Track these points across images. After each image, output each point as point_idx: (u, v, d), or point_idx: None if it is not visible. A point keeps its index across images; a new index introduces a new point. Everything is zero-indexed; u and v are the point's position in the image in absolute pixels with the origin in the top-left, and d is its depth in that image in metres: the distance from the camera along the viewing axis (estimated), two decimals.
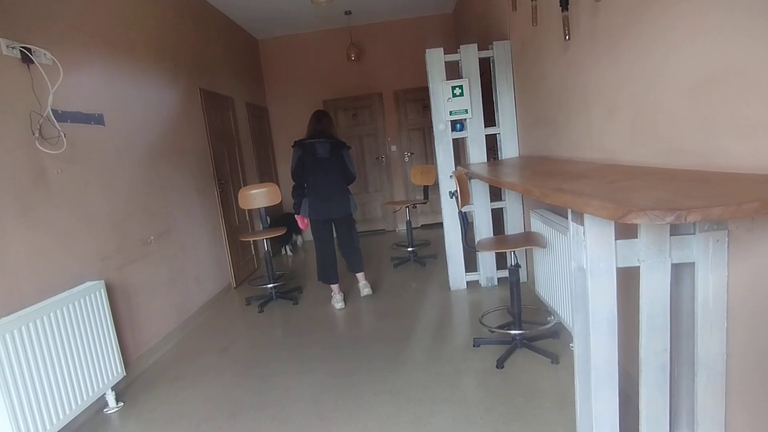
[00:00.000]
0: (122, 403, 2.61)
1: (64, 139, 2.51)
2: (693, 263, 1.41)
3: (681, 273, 1.49)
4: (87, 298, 2.43)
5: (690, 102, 1.50)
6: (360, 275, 4.02)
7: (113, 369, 2.57)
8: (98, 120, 2.88)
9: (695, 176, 1.38)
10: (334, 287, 3.85)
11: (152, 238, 3.35)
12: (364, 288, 4.01)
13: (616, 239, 1.39)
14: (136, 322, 3.03)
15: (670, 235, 1.39)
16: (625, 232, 1.42)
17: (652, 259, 1.40)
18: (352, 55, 6.25)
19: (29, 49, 2.32)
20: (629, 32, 1.81)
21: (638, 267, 1.42)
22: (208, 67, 4.82)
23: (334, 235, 3.90)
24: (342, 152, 3.67)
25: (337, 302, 3.81)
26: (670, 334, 1.45)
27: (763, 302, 1.29)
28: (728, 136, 1.34)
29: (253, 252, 5.41)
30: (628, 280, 1.80)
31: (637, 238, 1.41)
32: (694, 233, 1.39)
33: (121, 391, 2.72)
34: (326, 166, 3.62)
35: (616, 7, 1.90)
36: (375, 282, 4.36)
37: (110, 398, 2.56)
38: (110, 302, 2.66)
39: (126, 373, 2.70)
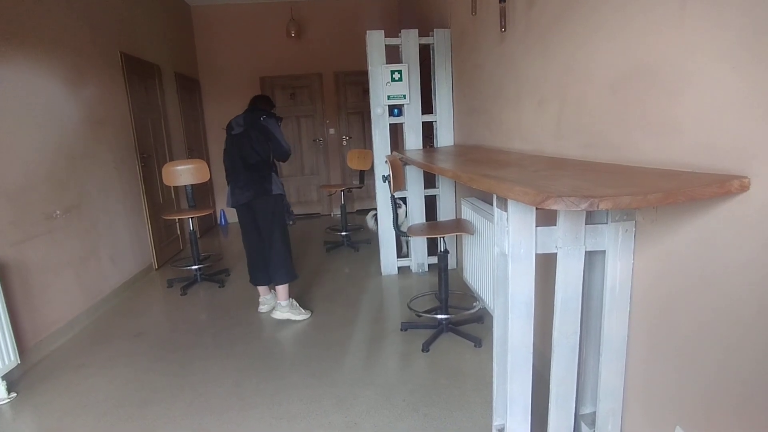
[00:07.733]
0: (15, 394, 2.35)
1: None
2: (604, 251, 1.49)
3: (593, 260, 1.57)
4: None
5: (610, 98, 1.57)
6: (280, 290, 3.10)
7: (4, 356, 2.30)
8: None
9: (611, 169, 1.45)
10: (261, 289, 3.28)
11: (58, 212, 3.03)
12: (278, 310, 3.13)
13: (536, 226, 1.44)
14: (35, 304, 2.74)
15: (586, 224, 1.46)
16: (545, 220, 1.47)
17: (569, 246, 1.47)
18: (293, 32, 6.02)
19: None
20: (560, 27, 1.87)
21: (556, 253, 1.48)
22: (132, 30, 4.41)
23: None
24: (260, 122, 2.97)
25: (260, 305, 3.28)
26: (581, 318, 1.53)
27: (660, 289, 1.39)
28: (639, 132, 1.42)
29: (179, 232, 5.10)
30: (544, 267, 1.88)
31: (555, 225, 1.47)
32: (607, 223, 1.47)
33: (14, 380, 2.45)
34: (239, 141, 2.99)
35: (549, 1, 1.95)
36: (305, 266, 4.28)
37: (0, 388, 2.30)
38: (3, 282, 2.37)
39: (21, 360, 2.44)
